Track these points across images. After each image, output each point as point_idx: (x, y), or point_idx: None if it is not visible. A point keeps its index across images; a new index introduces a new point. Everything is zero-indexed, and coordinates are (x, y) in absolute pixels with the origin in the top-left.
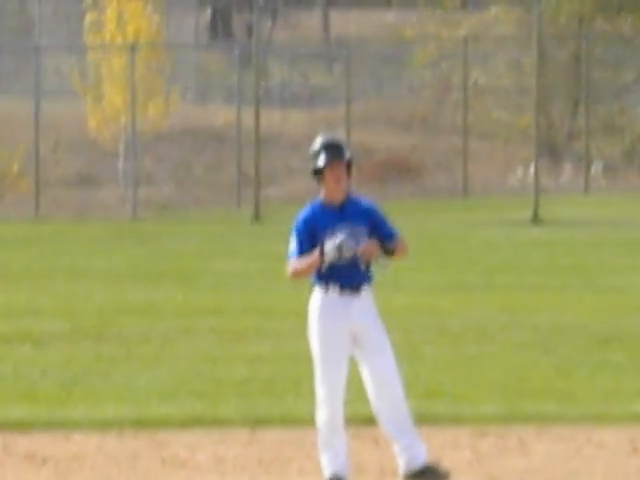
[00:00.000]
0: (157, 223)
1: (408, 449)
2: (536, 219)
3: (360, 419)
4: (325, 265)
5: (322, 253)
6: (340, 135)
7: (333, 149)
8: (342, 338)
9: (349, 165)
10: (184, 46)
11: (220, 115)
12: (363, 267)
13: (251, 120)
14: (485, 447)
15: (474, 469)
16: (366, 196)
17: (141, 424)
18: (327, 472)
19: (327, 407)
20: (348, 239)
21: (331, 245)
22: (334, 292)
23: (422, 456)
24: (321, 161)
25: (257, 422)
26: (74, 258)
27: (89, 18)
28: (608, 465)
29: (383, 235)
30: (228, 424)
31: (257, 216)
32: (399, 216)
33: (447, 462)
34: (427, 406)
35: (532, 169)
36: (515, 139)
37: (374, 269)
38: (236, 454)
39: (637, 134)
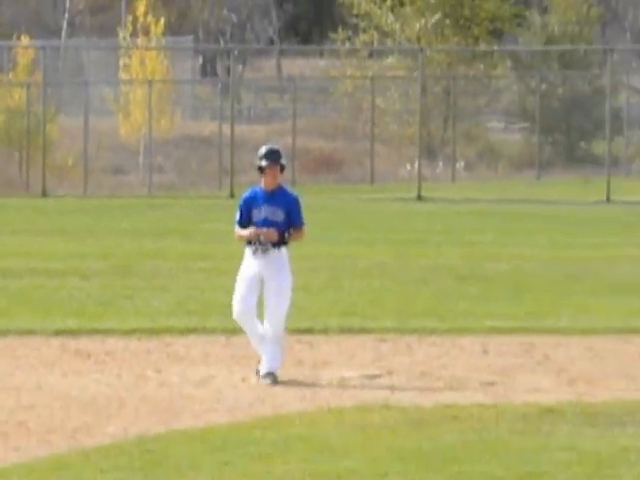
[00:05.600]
0: (165, 198)
1: (265, 354)
2: (419, 198)
3: (299, 330)
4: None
5: (255, 242)
6: (278, 145)
7: (271, 156)
8: (253, 274)
9: (282, 167)
10: (184, 81)
11: (208, 127)
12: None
13: (228, 131)
14: (384, 349)
15: (376, 364)
16: (294, 190)
17: (153, 331)
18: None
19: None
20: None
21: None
22: (255, 251)
23: (267, 365)
24: (262, 163)
25: (231, 332)
26: (110, 221)
27: (122, 62)
28: (466, 362)
29: (292, 221)
30: (212, 332)
31: (232, 195)
32: (326, 195)
33: (357, 360)
34: (344, 321)
35: (416, 164)
36: (405, 144)
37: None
38: (217, 352)
39: (487, 142)
